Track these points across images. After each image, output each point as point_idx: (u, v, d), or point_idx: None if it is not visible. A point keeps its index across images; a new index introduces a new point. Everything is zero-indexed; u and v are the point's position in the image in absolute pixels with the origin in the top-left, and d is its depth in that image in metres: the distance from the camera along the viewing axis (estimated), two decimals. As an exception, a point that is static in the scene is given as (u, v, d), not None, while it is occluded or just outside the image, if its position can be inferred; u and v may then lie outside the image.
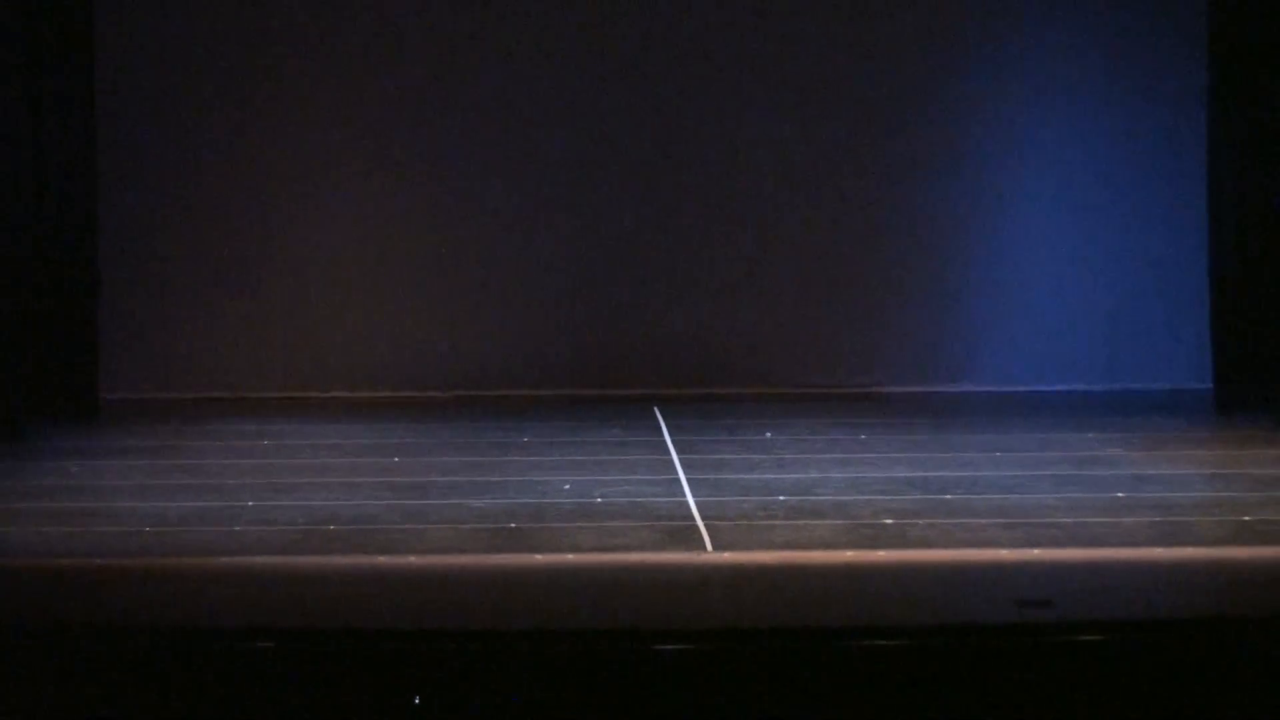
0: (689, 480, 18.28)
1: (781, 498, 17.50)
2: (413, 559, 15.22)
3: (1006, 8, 23.71)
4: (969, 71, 23.76)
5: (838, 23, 23.67)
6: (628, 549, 15.47)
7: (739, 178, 23.92)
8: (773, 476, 18.59)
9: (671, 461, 19.34)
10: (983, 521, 16.49)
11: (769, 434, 20.78)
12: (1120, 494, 17.62)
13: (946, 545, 15.69)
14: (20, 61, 20.64)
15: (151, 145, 23.40)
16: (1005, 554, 15.30)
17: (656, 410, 22.26)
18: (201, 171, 23.57)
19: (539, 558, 15.15)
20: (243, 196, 23.64)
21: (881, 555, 15.30)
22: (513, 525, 16.34)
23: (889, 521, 16.58)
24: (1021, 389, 23.33)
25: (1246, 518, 16.64)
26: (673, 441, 20.35)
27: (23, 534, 15.95)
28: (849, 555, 15.29)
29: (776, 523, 16.50)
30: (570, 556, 15.18)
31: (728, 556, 15.27)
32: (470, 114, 23.80)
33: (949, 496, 17.55)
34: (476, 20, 23.64)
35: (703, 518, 16.55)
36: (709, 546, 15.58)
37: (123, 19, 22.96)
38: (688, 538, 15.90)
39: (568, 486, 17.97)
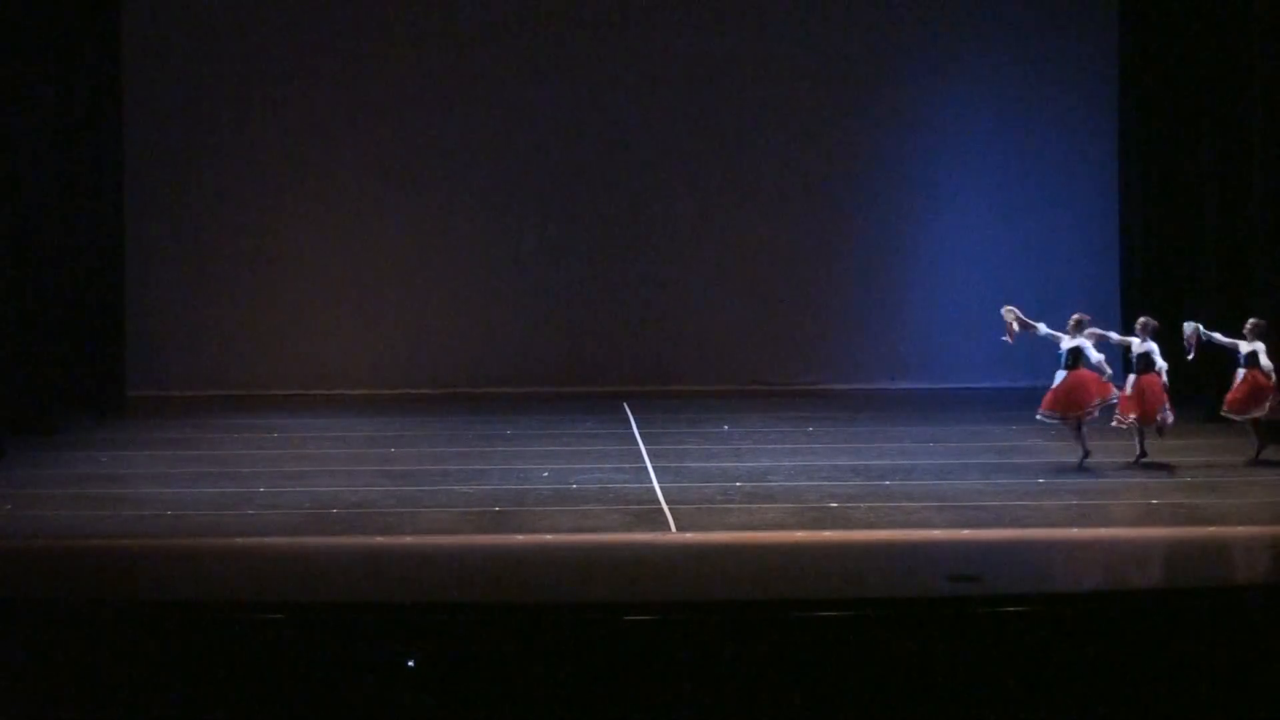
0: (655, 468, 18.26)
1: (738, 484, 17.50)
2: (407, 539, 15.20)
3: (941, 44, 23.74)
4: (908, 107, 23.78)
5: (798, 54, 23.72)
6: (600, 530, 15.48)
7: (702, 201, 23.94)
8: (730, 465, 18.57)
9: (639, 452, 19.31)
10: (917, 505, 16.50)
11: (726, 427, 20.76)
12: (1041, 480, 17.62)
13: (885, 526, 15.70)
14: (52, 81, 20.56)
15: (175, 165, 23.35)
16: (938, 534, 15.30)
17: (626, 406, 22.23)
18: (219, 195, 23.51)
19: (520, 538, 15.15)
20: (256, 216, 23.59)
21: (827, 535, 15.29)
22: (497, 509, 16.33)
23: (834, 505, 16.57)
24: (952, 386, 23.34)
25: (1154, 501, 16.67)
26: (640, 434, 20.32)
27: (57, 516, 15.89)
28: (798, 535, 15.28)
29: (733, 506, 16.53)
30: (549, 537, 15.17)
31: (690, 537, 15.26)
32: (460, 146, 23.78)
33: (887, 482, 17.54)
34: (469, 44, 23.59)
35: (667, 502, 16.56)
36: (673, 528, 15.58)
37: (149, 45, 22.88)
38: (654, 520, 15.91)
39: (546, 474, 17.94)
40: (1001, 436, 19.57)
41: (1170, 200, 21.94)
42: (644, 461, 18.62)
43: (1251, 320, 18.24)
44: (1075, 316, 18.07)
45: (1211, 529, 15.15)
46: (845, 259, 23.88)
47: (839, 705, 11.07)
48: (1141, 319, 18.31)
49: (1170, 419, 17.91)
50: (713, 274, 23.91)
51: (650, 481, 17.50)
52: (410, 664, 11.01)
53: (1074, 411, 17.89)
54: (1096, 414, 17.90)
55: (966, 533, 15.27)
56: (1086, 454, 17.98)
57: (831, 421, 20.60)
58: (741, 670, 11.20)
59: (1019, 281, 23.30)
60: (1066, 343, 17.97)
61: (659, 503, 16.47)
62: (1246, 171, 20.25)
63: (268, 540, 14.93)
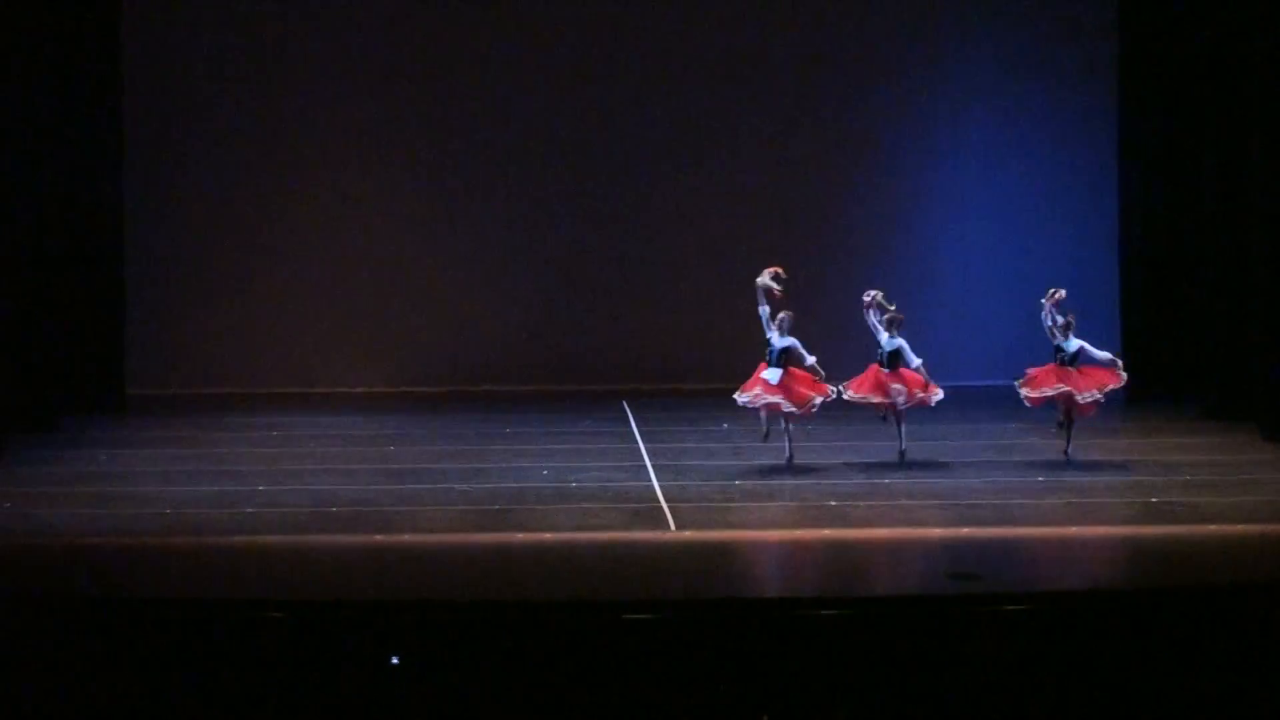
0: (654, 467, 18.25)
1: (737, 482, 17.48)
2: (407, 537, 15.19)
3: (940, 44, 23.76)
4: (907, 108, 23.77)
5: (797, 53, 23.75)
6: (599, 528, 15.48)
7: (701, 207, 23.93)
8: (729, 463, 18.54)
9: (639, 450, 19.31)
10: (917, 503, 16.51)
11: (726, 425, 20.75)
12: (1040, 478, 17.63)
13: (884, 524, 15.70)
14: (52, 79, 20.59)
15: (174, 163, 23.37)
16: (937, 532, 15.31)
17: (625, 404, 22.23)
18: (220, 191, 23.50)
19: (520, 536, 15.13)
20: (256, 215, 23.57)
21: (826, 533, 15.30)
22: (496, 507, 16.32)
23: (833, 503, 16.58)
24: (951, 384, 23.28)
25: (1153, 499, 16.67)
26: (640, 432, 20.32)
27: (57, 515, 15.87)
28: (798, 533, 15.29)
29: (732, 504, 16.53)
30: (548, 535, 15.16)
31: (689, 535, 15.26)
32: (459, 145, 23.78)
33: (887, 480, 17.53)
34: (473, 48, 23.61)
35: (666, 500, 16.56)
36: (672, 526, 15.57)
37: (149, 43, 22.88)
38: (653, 518, 15.91)
39: (546, 472, 17.93)
40: (1001, 435, 19.59)
41: (1170, 201, 21.94)
42: (643, 459, 18.63)
43: (1063, 320, 18.42)
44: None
45: (1211, 527, 15.17)
46: (844, 257, 23.84)
47: (838, 703, 11.09)
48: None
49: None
50: (713, 272, 23.88)
51: (650, 480, 17.51)
52: (394, 660, 11.03)
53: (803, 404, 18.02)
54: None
55: (966, 530, 15.28)
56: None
57: (831, 419, 20.57)
58: (741, 668, 11.21)
59: (1018, 281, 23.27)
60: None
61: (658, 501, 16.48)
62: (1247, 172, 20.25)
63: (267, 538, 14.96)
